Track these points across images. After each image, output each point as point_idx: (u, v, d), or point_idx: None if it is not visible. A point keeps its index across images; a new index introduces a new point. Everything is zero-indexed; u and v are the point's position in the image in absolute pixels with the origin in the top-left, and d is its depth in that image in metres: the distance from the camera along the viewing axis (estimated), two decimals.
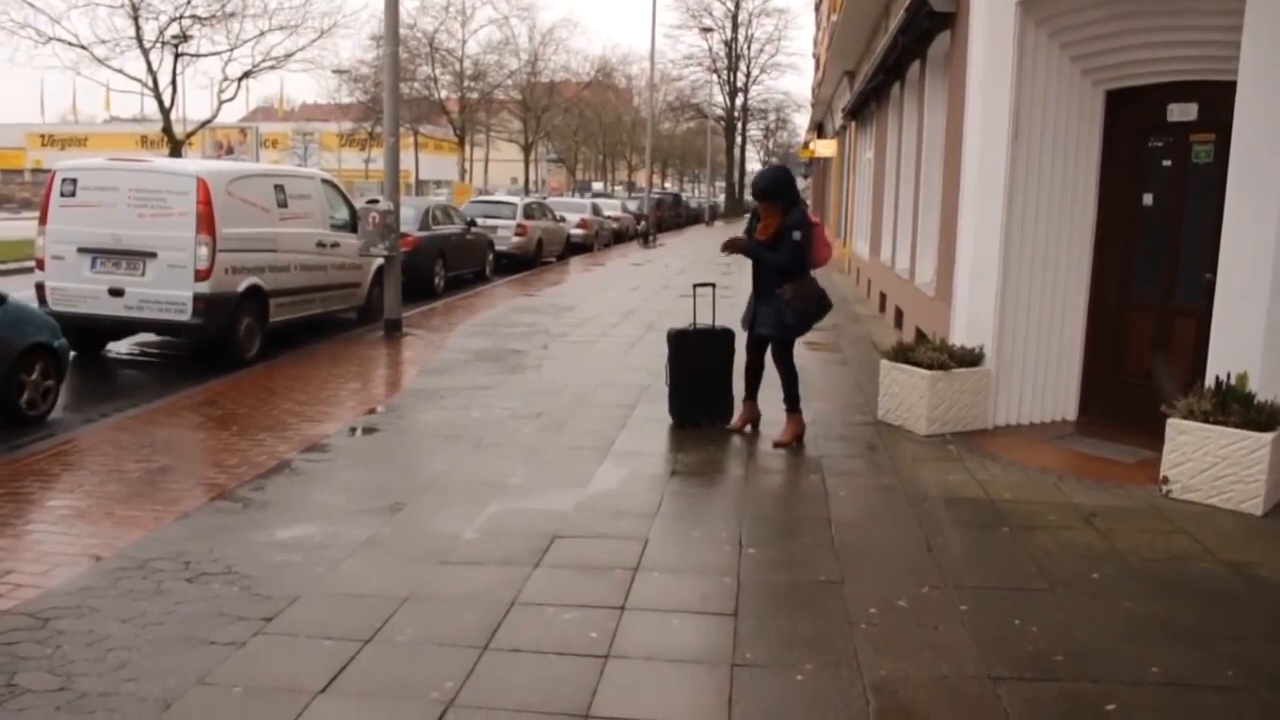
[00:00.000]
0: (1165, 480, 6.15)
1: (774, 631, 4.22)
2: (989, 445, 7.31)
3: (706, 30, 62.39)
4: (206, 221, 9.65)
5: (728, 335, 7.81)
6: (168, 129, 26.10)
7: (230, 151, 49.74)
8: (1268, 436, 5.76)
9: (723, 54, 66.02)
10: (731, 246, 7.42)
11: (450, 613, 4.35)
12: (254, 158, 48.01)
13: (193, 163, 10.65)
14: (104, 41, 25.84)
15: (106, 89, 53.50)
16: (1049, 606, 4.50)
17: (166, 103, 26.07)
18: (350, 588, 4.60)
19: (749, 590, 4.63)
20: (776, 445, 7.24)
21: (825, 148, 32.78)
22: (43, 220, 10.06)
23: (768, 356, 7.48)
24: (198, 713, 3.50)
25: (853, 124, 23.12)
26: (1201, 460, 5.98)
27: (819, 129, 37.82)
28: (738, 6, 65.06)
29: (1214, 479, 5.94)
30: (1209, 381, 6.21)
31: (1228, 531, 5.55)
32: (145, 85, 26.17)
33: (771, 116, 75.20)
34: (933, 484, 6.36)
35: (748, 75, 68.00)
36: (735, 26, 65.79)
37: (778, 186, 7.36)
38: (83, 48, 25.73)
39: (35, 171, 55.79)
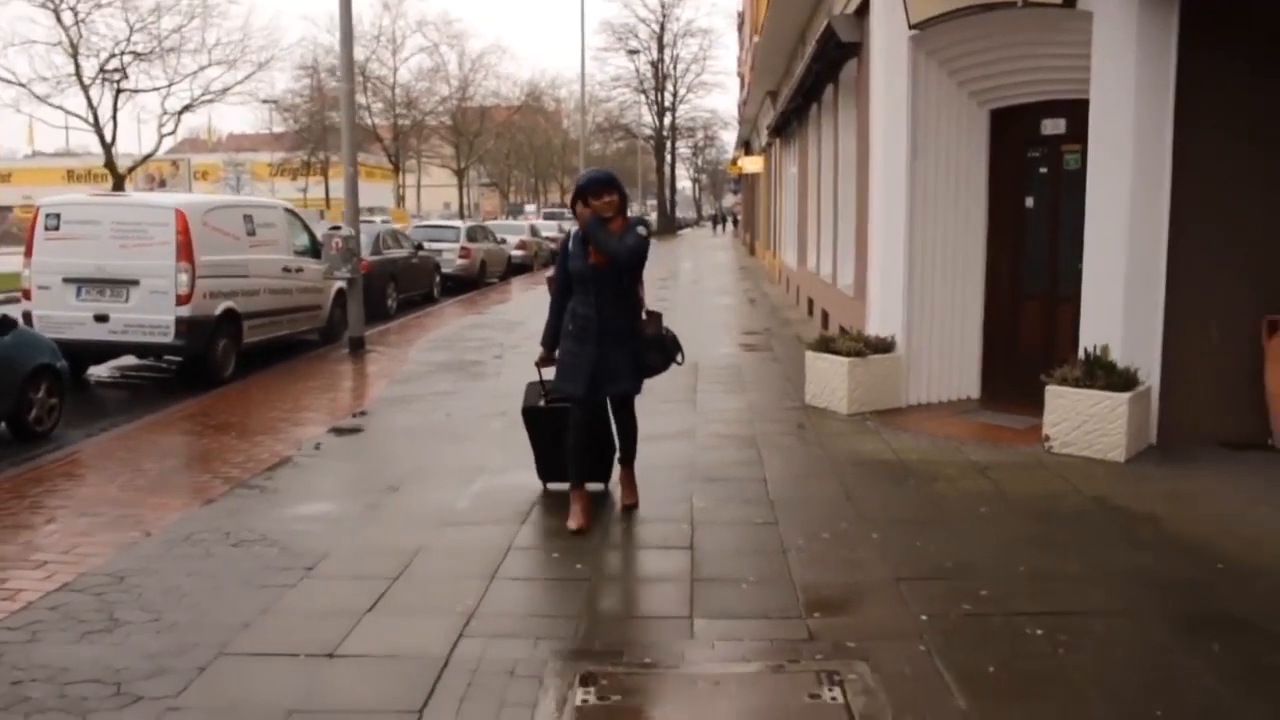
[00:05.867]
0: (1047, 438, 7.28)
1: (723, 559, 5.22)
2: (902, 421, 8.41)
3: (633, 52, 63.66)
4: (186, 250, 10.44)
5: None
6: (110, 164, 26.59)
7: (163, 184, 49.81)
8: (1125, 396, 6.92)
9: (650, 75, 67.19)
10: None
11: (458, 556, 5.29)
12: (186, 190, 48.16)
13: (170, 196, 11.39)
14: (44, 79, 26.37)
15: (30, 122, 53.33)
16: (944, 533, 5.56)
17: (108, 138, 26.59)
18: (371, 545, 5.50)
19: (701, 531, 5.63)
20: (628, 509, 6.04)
21: (753, 164, 34.12)
22: (28, 254, 10.77)
23: None
24: (270, 630, 4.40)
25: (778, 141, 24.33)
26: (1075, 419, 7.12)
27: (746, 146, 39.17)
28: (663, 28, 66.30)
29: (1085, 434, 7.08)
30: (1080, 354, 7.36)
31: (1095, 475, 6.68)
32: (86, 121, 26.68)
33: (700, 134, 76.45)
34: (852, 451, 7.43)
35: (675, 95, 69.20)
36: (661, 47, 66.99)
37: (617, 179, 5.82)
38: (22, 85, 26.22)
39: None
